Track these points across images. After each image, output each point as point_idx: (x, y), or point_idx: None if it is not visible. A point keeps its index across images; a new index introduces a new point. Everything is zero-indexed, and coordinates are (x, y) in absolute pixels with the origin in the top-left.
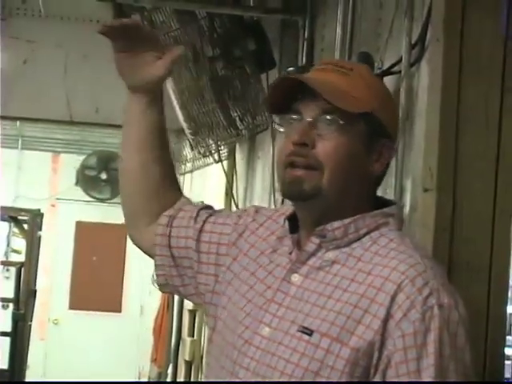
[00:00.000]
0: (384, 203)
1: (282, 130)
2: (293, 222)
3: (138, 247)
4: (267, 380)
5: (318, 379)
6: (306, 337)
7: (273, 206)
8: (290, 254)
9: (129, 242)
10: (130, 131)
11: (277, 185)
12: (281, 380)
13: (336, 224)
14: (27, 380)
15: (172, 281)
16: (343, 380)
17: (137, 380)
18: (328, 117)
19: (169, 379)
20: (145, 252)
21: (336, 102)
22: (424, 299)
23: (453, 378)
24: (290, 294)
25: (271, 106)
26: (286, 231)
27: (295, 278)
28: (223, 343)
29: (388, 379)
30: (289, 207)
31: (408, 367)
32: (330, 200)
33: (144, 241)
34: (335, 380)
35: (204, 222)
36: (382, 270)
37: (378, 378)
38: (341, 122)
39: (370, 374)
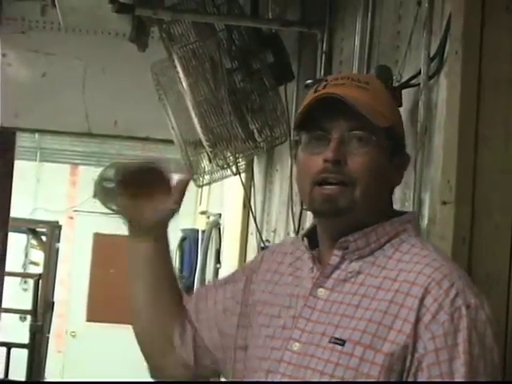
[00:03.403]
0: (399, 213)
1: (304, 145)
2: (310, 239)
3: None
4: None
5: None
6: (339, 347)
7: (290, 219)
8: (312, 271)
9: None
10: (139, 283)
11: (295, 198)
12: None
13: (357, 234)
14: None
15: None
16: None
17: None
18: (357, 132)
19: None
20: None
21: (370, 118)
22: (451, 300)
23: (482, 378)
24: (318, 309)
25: (296, 122)
26: (300, 254)
27: (321, 292)
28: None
29: (420, 380)
30: (290, 238)
31: (440, 369)
32: (362, 214)
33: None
34: None
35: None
36: (407, 275)
37: (405, 378)
38: (373, 138)
39: (403, 377)
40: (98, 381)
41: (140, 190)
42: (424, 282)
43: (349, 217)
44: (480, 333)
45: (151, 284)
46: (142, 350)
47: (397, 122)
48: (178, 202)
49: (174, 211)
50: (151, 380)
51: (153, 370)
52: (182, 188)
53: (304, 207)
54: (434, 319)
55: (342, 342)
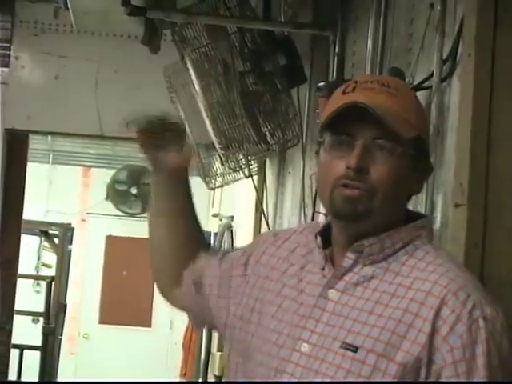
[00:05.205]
0: (414, 216)
1: (327, 147)
2: (323, 237)
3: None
4: None
5: None
6: (351, 353)
7: (303, 222)
8: (323, 269)
9: None
10: (159, 219)
11: (307, 200)
12: None
13: (372, 239)
14: None
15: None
16: None
17: None
18: (382, 141)
19: None
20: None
21: (397, 129)
22: (469, 312)
23: None
24: (328, 310)
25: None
26: (313, 247)
27: (332, 293)
28: (256, 367)
29: None
30: (312, 223)
31: (459, 380)
32: (379, 220)
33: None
34: None
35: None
36: (422, 284)
37: None
38: (397, 148)
39: None
40: (98, 381)
41: (158, 139)
42: (440, 293)
43: (366, 222)
44: (497, 343)
45: (170, 221)
46: (156, 281)
47: (423, 131)
48: (189, 159)
49: (187, 164)
50: (156, 380)
51: (166, 300)
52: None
53: (317, 210)
54: (452, 331)
55: (355, 349)
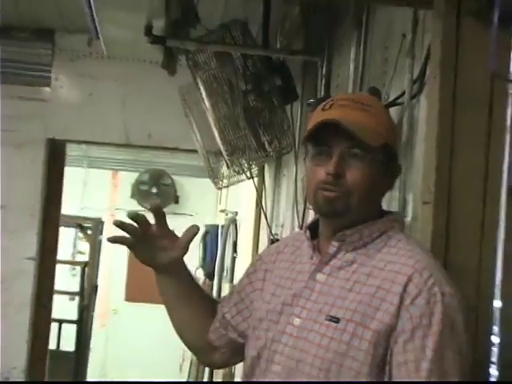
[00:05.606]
0: (387, 212)
1: (311, 156)
2: (311, 231)
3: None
4: (301, 363)
5: (346, 359)
6: (334, 324)
7: (295, 216)
8: (312, 258)
9: None
10: (174, 309)
11: (299, 198)
12: (314, 362)
13: (353, 230)
14: (90, 360)
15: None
16: (368, 359)
17: (180, 362)
18: (354, 150)
19: None
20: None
21: (366, 140)
22: (429, 288)
23: (450, 355)
24: (316, 290)
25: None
26: (300, 246)
27: (320, 276)
28: (256, 340)
29: (394, 355)
30: (294, 233)
31: (414, 344)
32: (355, 216)
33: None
34: (361, 359)
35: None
36: (394, 265)
37: (389, 355)
38: (367, 156)
39: (388, 352)
40: (99, 381)
41: (149, 240)
42: (407, 272)
43: (345, 217)
44: (451, 317)
45: (182, 310)
46: (193, 353)
47: (391, 139)
48: (186, 248)
49: (182, 255)
50: (159, 380)
51: (208, 365)
52: (190, 237)
53: (308, 207)
54: (413, 302)
55: (337, 320)
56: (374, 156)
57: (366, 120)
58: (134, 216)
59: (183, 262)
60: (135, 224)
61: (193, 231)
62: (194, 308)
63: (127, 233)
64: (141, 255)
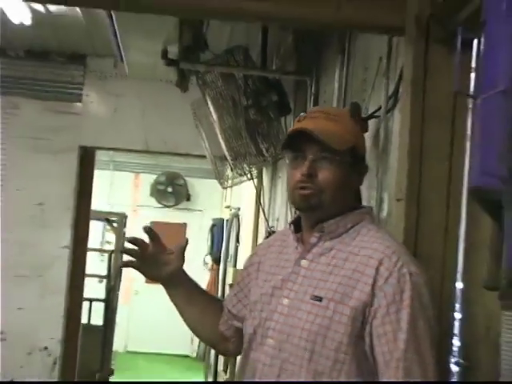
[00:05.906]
0: (360, 206)
1: (289, 161)
2: (295, 225)
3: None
4: (290, 336)
5: (329, 331)
6: (318, 302)
7: (288, 211)
8: (296, 248)
9: (187, 233)
10: (185, 312)
11: None
12: (302, 335)
13: (330, 222)
14: (116, 333)
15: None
16: (348, 330)
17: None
18: (324, 154)
19: None
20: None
21: (333, 145)
22: (398, 269)
23: (421, 325)
24: (301, 275)
25: (283, 145)
26: (286, 239)
27: (303, 262)
28: (252, 320)
29: (374, 328)
30: (280, 231)
31: (390, 317)
32: (328, 210)
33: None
34: (342, 331)
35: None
36: (367, 251)
37: (368, 328)
38: (335, 158)
39: (364, 325)
40: (102, 381)
41: (151, 258)
42: (378, 256)
43: (319, 211)
44: (419, 292)
45: (192, 311)
46: (207, 344)
47: (358, 143)
48: (181, 258)
49: (181, 265)
50: (162, 380)
51: (221, 353)
52: (183, 248)
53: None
54: (385, 282)
55: (320, 299)
56: (341, 158)
57: (333, 128)
58: (132, 239)
59: (184, 271)
60: (135, 247)
61: (183, 244)
62: (202, 307)
63: (131, 256)
64: (149, 274)
